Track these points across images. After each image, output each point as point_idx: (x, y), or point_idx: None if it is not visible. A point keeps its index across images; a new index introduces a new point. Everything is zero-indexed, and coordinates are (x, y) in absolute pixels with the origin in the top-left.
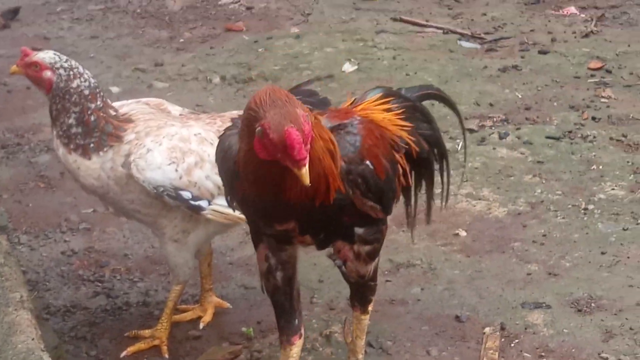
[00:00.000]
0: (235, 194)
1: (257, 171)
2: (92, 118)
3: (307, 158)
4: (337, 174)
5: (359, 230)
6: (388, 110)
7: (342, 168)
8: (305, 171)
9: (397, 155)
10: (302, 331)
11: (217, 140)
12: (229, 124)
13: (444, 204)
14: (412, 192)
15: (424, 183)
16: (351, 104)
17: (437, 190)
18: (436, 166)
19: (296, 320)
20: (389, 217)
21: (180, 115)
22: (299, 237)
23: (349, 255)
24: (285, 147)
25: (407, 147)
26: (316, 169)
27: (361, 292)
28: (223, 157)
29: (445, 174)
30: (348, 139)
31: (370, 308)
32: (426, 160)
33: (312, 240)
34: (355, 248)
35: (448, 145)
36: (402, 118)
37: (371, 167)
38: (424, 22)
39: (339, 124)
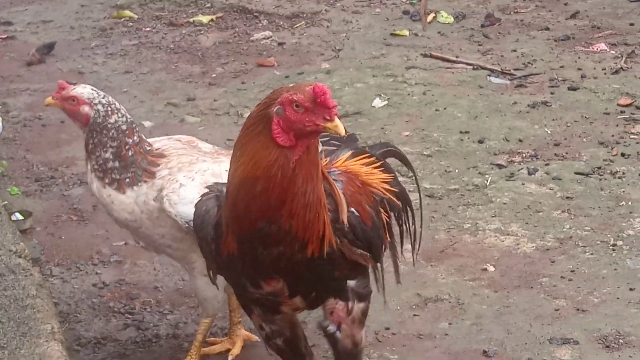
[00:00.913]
0: (218, 258)
1: (258, 182)
2: (130, 153)
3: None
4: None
5: (351, 284)
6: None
7: (336, 243)
8: (339, 122)
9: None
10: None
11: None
12: None
13: (414, 259)
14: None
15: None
16: (326, 163)
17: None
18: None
19: (303, 352)
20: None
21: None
22: (288, 301)
23: (343, 317)
24: (314, 98)
25: (386, 198)
26: (315, 210)
27: None
28: (201, 222)
29: (414, 229)
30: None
31: None
32: (396, 216)
33: (303, 301)
34: (350, 305)
35: (477, 180)
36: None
37: (357, 213)
38: (454, 58)
39: None
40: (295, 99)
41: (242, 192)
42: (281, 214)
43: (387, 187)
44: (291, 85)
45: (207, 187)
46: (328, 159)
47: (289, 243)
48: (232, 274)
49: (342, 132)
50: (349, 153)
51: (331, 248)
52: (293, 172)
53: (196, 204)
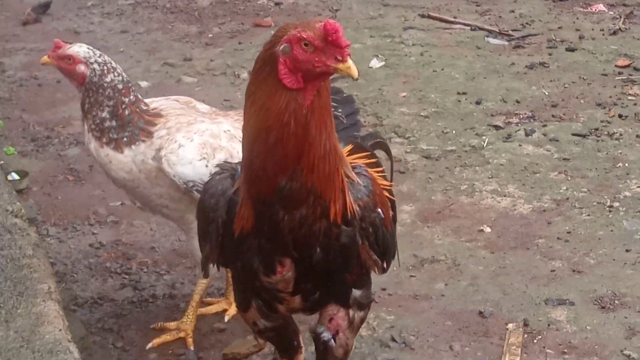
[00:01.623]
0: (227, 241)
1: (271, 133)
2: (126, 112)
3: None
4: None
5: (356, 293)
6: (368, 165)
7: (357, 213)
8: (352, 63)
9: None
10: (302, 346)
11: (203, 190)
12: None
13: (395, 267)
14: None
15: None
16: None
17: None
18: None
19: (295, 344)
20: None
21: (208, 112)
22: (288, 298)
23: (342, 325)
24: (325, 36)
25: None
26: (334, 161)
27: None
28: (216, 203)
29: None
30: (361, 181)
31: None
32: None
33: (302, 302)
34: (351, 314)
35: (474, 141)
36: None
37: (382, 216)
38: (452, 19)
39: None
40: (304, 36)
41: (257, 146)
42: (301, 168)
43: (388, 194)
44: (298, 21)
45: (217, 165)
46: None
47: (312, 204)
48: (244, 258)
49: (355, 75)
50: (349, 147)
51: (350, 242)
52: (306, 119)
53: (209, 183)
